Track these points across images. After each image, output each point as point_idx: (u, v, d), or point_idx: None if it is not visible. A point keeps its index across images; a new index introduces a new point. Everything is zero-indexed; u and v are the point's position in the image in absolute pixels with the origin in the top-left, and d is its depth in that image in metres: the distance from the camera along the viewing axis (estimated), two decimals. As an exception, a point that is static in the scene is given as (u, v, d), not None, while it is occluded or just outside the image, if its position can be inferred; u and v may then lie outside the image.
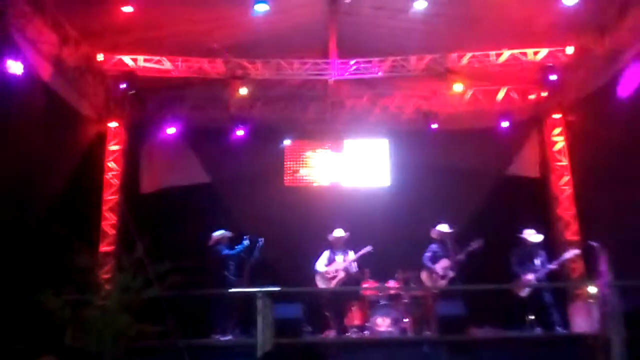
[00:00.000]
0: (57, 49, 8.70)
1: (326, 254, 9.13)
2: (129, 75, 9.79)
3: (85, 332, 4.80)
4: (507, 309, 8.54)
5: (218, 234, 8.94)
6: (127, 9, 7.78)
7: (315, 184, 11.67)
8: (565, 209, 10.77)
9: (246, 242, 8.88)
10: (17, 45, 7.54)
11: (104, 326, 4.68)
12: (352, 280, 9.01)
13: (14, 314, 6.52)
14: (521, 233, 8.59)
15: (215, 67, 9.96)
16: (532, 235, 8.57)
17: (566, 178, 10.89)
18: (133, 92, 10.11)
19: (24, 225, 7.65)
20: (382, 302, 8.72)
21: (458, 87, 9.84)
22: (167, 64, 9.92)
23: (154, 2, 7.92)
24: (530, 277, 8.31)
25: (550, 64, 9.66)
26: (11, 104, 7.37)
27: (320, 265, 9.05)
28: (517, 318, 8.25)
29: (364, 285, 9.09)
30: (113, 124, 10.98)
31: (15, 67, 7.33)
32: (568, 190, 10.83)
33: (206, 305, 8.57)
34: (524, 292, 8.31)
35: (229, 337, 8.12)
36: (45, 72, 8.54)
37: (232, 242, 8.96)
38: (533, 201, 10.90)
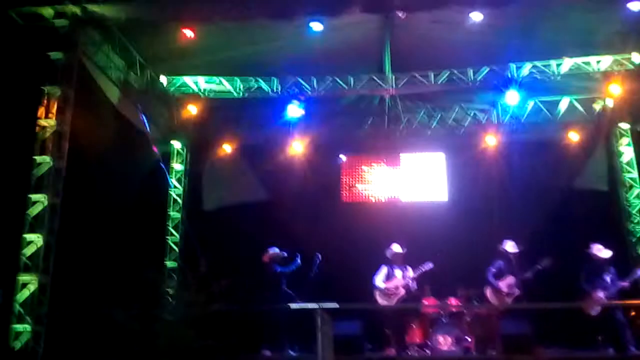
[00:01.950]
0: (124, 73, 9.16)
1: (384, 269, 9.03)
2: (191, 97, 10.15)
3: (152, 345, 4.97)
4: (576, 328, 8.17)
5: (272, 251, 9.03)
6: (188, 33, 8.10)
7: (372, 199, 11.63)
8: (637, 223, 10.25)
9: (299, 261, 8.92)
10: (88, 71, 7.99)
11: (169, 340, 4.83)
12: (411, 297, 8.87)
13: (86, 327, 6.83)
14: (589, 248, 8.23)
15: (272, 86, 10.18)
16: (601, 251, 8.19)
17: (636, 190, 10.39)
18: (195, 112, 10.46)
19: (97, 241, 8.03)
20: (444, 319, 8.53)
21: (517, 98, 9.61)
22: (226, 85, 10.23)
23: (213, 27, 8.19)
24: (601, 294, 7.93)
25: (615, 72, 9.30)
26: (84, 126, 7.80)
27: (379, 281, 8.95)
28: (587, 338, 7.87)
29: (425, 303, 8.92)
30: (177, 144, 11.40)
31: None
32: (639, 204, 10.32)
33: (262, 321, 8.64)
34: (595, 311, 7.93)
35: (291, 353, 8.16)
36: (114, 96, 9.00)
37: (286, 260, 9.03)
38: (601, 215, 10.44)
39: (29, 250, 7.15)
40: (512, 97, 9.59)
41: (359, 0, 7.54)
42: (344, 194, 11.64)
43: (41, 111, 7.50)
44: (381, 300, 8.86)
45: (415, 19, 8.40)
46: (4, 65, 7.62)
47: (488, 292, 8.55)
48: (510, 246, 8.53)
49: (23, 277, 7.06)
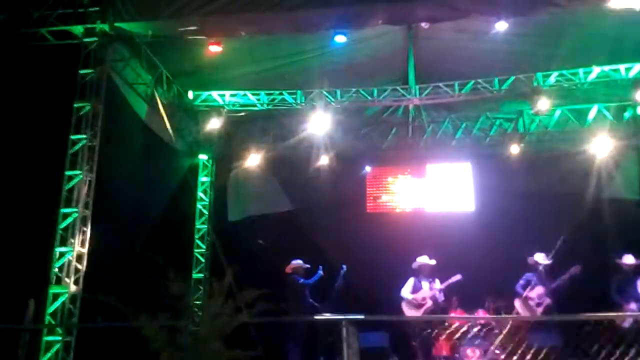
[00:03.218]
0: (152, 88, 9.35)
1: (411, 281, 8.96)
2: (217, 110, 10.31)
3: (179, 357, 4.99)
4: (608, 341, 7.96)
5: (294, 263, 9.04)
6: (215, 48, 8.24)
7: (397, 210, 11.58)
8: (670, 233, 9.98)
9: (320, 272, 8.92)
10: (117, 87, 8.19)
11: (196, 352, 4.85)
12: (439, 309, 8.78)
13: (114, 338, 6.94)
14: (620, 258, 8.04)
15: (296, 98, 10.26)
16: (632, 261, 8.00)
17: (669, 198, 10.14)
18: (221, 125, 10.61)
19: (126, 254, 8.18)
20: (472, 332, 8.42)
21: (545, 106, 9.49)
22: (251, 98, 10.35)
23: (239, 41, 8.32)
24: (633, 306, 7.73)
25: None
26: (114, 141, 7.97)
27: (406, 292, 8.88)
28: (619, 350, 7.66)
29: (453, 315, 8.82)
30: (203, 157, 11.56)
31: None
32: (672, 212, 10.07)
33: (289, 332, 8.65)
34: (627, 323, 7.73)
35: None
36: (142, 110, 9.19)
37: (308, 272, 9.03)
38: (632, 224, 10.18)
39: (59, 263, 7.31)
40: (542, 105, 9.46)
41: (382, 13, 7.55)
42: (369, 205, 11.62)
43: (72, 126, 7.70)
44: (408, 312, 8.79)
45: (439, 29, 8.40)
46: (36, 82, 7.85)
47: (518, 303, 8.41)
48: (541, 257, 8.39)
49: (54, 289, 7.21)
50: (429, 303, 8.67)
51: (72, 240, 7.34)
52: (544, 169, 10.60)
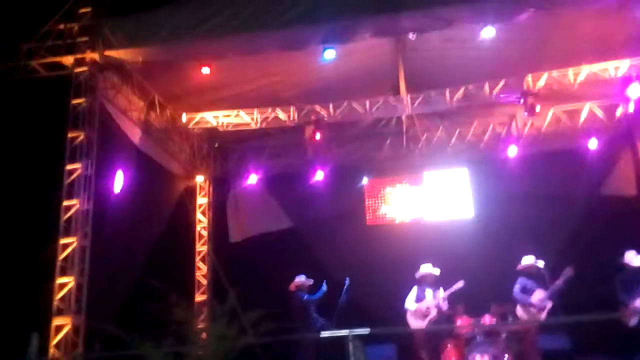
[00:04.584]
0: (145, 114, 9.37)
1: (415, 290, 8.91)
2: (211, 132, 10.34)
3: (186, 382, 4.93)
4: (616, 340, 7.93)
5: (298, 280, 9.00)
6: (205, 70, 8.28)
7: (397, 221, 11.57)
8: (671, 227, 9.99)
9: (325, 288, 8.88)
10: (110, 115, 8.21)
11: (202, 376, 4.80)
12: (444, 317, 8.73)
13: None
14: (622, 256, 8.02)
15: (289, 115, 10.30)
16: (635, 258, 7.98)
17: (668, 192, 10.16)
18: (216, 146, 10.63)
19: (126, 280, 8.13)
20: (479, 338, 8.36)
21: (536, 108, 9.54)
22: (245, 117, 10.38)
23: (229, 62, 8.36)
24: (639, 304, 7.70)
25: (634, 76, 9.18)
26: (107, 168, 7.97)
27: (410, 302, 8.83)
28: (628, 349, 7.63)
29: (459, 322, 8.77)
30: (200, 178, 11.56)
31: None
32: (671, 206, 10.09)
33: (295, 351, 8.58)
34: (634, 321, 7.69)
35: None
36: (136, 136, 9.20)
37: (313, 288, 8.99)
38: (632, 221, 10.20)
39: (61, 294, 7.26)
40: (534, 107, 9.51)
41: (369, 25, 7.62)
42: (369, 218, 11.60)
43: (66, 156, 7.70)
44: (413, 322, 8.74)
45: (426, 39, 8.46)
46: (28, 114, 7.87)
47: (519, 310, 8.35)
48: (528, 259, 8.36)
49: (57, 321, 7.16)
50: (434, 312, 8.62)
51: (73, 270, 7.31)
52: (540, 170, 10.62)
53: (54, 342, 7.06)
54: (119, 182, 8.20)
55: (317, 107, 10.15)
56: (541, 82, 9.55)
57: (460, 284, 8.54)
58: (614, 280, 7.96)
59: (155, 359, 5.16)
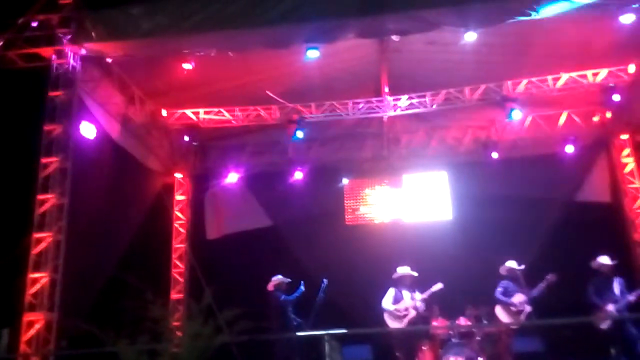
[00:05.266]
0: (124, 108, 9.25)
1: (392, 291, 8.93)
2: (192, 128, 10.23)
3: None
4: (588, 343, 8.06)
5: (275, 279, 8.97)
6: (187, 66, 8.20)
7: (376, 222, 11.61)
8: (642, 233, 10.21)
9: (302, 288, 8.87)
10: (88, 108, 8.08)
11: (177, 375, 4.75)
12: (420, 318, 8.78)
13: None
14: (595, 261, 8.16)
15: (271, 114, 10.26)
16: (607, 263, 8.12)
17: (640, 200, 10.38)
18: (196, 143, 10.53)
19: (101, 277, 8.02)
20: (454, 340, 8.44)
21: (516, 114, 9.67)
22: (226, 115, 10.32)
23: (211, 58, 8.29)
24: (611, 307, 7.84)
25: (612, 85, 9.36)
26: (85, 163, 7.84)
27: (388, 303, 8.84)
28: (599, 352, 7.76)
29: (434, 323, 8.83)
30: (178, 175, 11.45)
31: (88, 130, 7.85)
32: (644, 213, 10.30)
33: (271, 350, 8.55)
34: (606, 325, 7.83)
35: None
36: (114, 130, 9.07)
37: (290, 287, 8.97)
38: (606, 227, 10.39)
39: (34, 289, 7.13)
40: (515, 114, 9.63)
41: (353, 27, 7.63)
42: (348, 218, 11.62)
43: (43, 149, 7.55)
44: (391, 323, 8.76)
45: (409, 41, 8.50)
46: (4, 106, 7.71)
47: (498, 311, 8.45)
48: (512, 263, 8.48)
49: (29, 316, 7.03)
50: (412, 313, 8.66)
51: (47, 266, 7.18)
52: (517, 175, 10.76)
53: (25, 338, 6.92)
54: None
55: (300, 106, 10.13)
56: (521, 88, 9.68)
57: (439, 286, 8.60)
58: (587, 284, 8.10)
59: (129, 357, 5.09)
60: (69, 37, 7.70)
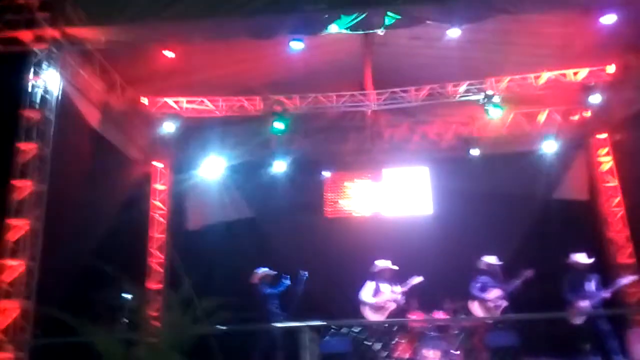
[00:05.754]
0: (105, 95, 9.12)
1: (371, 284, 8.99)
2: (173, 117, 10.14)
3: (137, 370, 4.85)
4: (562, 338, 8.22)
5: (261, 271, 8.96)
6: (169, 54, 8.11)
7: (356, 214, 11.65)
8: (617, 232, 10.41)
9: (287, 282, 8.88)
10: (67, 94, 7.94)
11: (154, 364, 4.72)
12: (399, 311, 8.86)
13: (68, 354, 6.71)
14: (570, 258, 8.31)
15: (254, 105, 10.22)
16: (582, 260, 8.27)
17: (617, 199, 10.55)
18: (177, 132, 10.43)
19: (75, 264, 7.92)
20: (431, 333, 8.53)
21: (497, 112, 9.75)
22: (208, 105, 10.24)
23: (194, 47, 8.22)
24: (585, 303, 8.00)
25: (592, 84, 9.49)
26: (63, 150, 7.72)
27: (368, 296, 8.90)
28: (573, 347, 7.92)
29: (412, 317, 8.91)
30: (159, 164, 11.34)
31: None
32: (620, 212, 10.48)
33: (251, 342, 8.56)
34: (579, 320, 7.98)
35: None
36: (94, 118, 8.94)
37: (275, 280, 8.98)
38: (582, 225, 10.56)
39: (9, 276, 7.03)
40: (494, 111, 9.71)
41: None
42: (328, 210, 11.66)
43: (21, 135, 7.43)
44: (371, 315, 8.82)
45: (394, 35, 8.50)
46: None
47: (474, 305, 8.58)
48: (491, 259, 8.60)
49: (4, 304, 6.93)
50: (393, 306, 8.75)
51: (23, 254, 7.08)
52: (498, 171, 10.86)
53: (1, 327, 6.83)
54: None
55: (283, 98, 10.09)
56: (503, 85, 9.76)
57: (419, 279, 8.68)
58: (562, 281, 8.25)
59: (105, 346, 5.05)
60: (50, 21, 7.55)
